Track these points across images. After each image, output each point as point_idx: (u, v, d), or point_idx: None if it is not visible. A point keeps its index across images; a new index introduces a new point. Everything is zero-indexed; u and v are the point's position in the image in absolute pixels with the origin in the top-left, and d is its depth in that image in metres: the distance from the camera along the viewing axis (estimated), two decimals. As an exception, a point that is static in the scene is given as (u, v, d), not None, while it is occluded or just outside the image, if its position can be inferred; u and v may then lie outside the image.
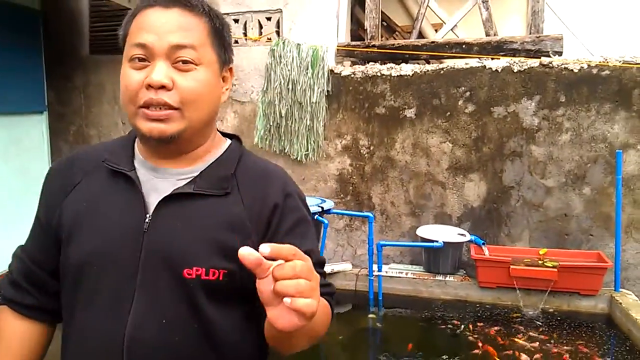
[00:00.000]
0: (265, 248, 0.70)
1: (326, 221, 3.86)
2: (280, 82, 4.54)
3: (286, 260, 0.71)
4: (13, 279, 1.06)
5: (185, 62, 0.91)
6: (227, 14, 4.82)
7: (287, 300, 0.70)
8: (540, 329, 3.49)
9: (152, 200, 0.95)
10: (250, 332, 0.98)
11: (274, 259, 0.72)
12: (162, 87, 0.90)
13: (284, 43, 4.57)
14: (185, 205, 0.94)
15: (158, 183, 0.97)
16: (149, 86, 0.90)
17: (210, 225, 0.93)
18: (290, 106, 4.54)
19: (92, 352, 0.92)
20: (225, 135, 1.09)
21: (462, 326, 3.56)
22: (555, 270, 3.61)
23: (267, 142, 4.64)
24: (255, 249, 0.89)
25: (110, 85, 5.07)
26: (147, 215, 0.94)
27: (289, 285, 0.70)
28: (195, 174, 0.98)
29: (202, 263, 0.91)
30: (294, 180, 1.07)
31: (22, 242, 1.10)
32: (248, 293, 0.91)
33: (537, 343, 3.29)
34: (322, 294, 0.95)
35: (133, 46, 0.92)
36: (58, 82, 5.07)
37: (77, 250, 0.96)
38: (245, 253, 0.71)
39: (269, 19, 4.81)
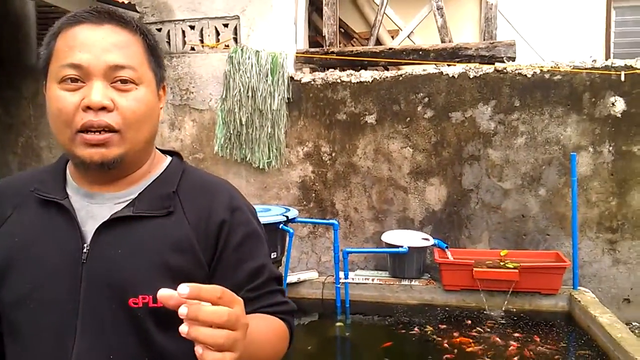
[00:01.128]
0: (184, 289, 0.62)
1: (292, 230, 3.82)
2: (240, 89, 4.48)
3: (213, 303, 0.64)
4: None
5: (124, 81, 0.86)
6: (183, 20, 4.73)
7: (198, 349, 0.63)
8: (504, 329, 3.57)
9: (89, 229, 0.89)
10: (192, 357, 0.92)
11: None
12: (103, 108, 0.84)
13: (242, 50, 4.51)
14: (125, 231, 0.88)
15: (94, 209, 0.90)
16: (87, 108, 0.83)
17: (154, 248, 0.87)
18: (251, 114, 4.48)
19: None
20: (165, 152, 1.04)
21: (429, 330, 3.60)
22: (517, 271, 3.70)
23: (228, 151, 4.57)
24: (204, 272, 0.89)
25: (61, 95, 4.87)
26: (85, 245, 0.87)
27: (205, 334, 0.63)
28: (134, 195, 0.92)
29: (148, 290, 0.84)
30: (241, 194, 1.02)
31: None
32: None
33: (501, 342, 3.36)
34: (277, 313, 0.95)
35: (64, 67, 0.85)
36: (4, 91, 4.84)
37: (11, 290, 0.88)
38: (164, 295, 0.64)
39: (226, 25, 4.74)
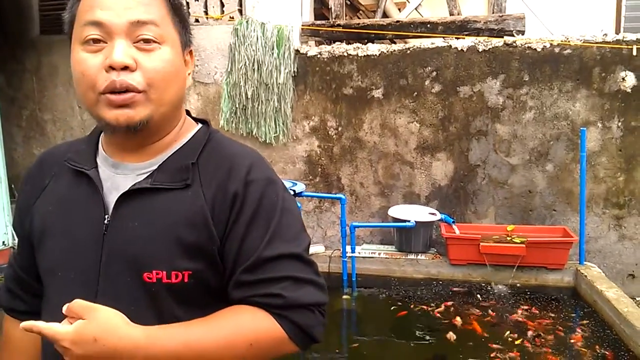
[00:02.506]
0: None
1: (300, 204, 3.83)
2: (245, 62, 4.43)
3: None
4: (7, 286, 1.05)
5: (147, 40, 0.83)
6: (187, -9, 4.65)
7: None
8: (510, 303, 3.60)
9: (112, 199, 0.88)
10: None
11: None
12: (125, 68, 0.81)
13: (247, 22, 4.44)
14: (144, 202, 0.87)
15: (118, 180, 0.90)
16: (110, 68, 0.81)
17: (170, 222, 0.85)
18: (256, 88, 4.44)
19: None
20: (196, 120, 1.01)
21: (434, 303, 3.63)
22: (524, 245, 3.71)
23: (234, 125, 4.54)
24: (218, 248, 0.86)
25: (64, 67, 4.81)
26: (106, 216, 0.87)
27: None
28: (156, 166, 0.90)
29: (162, 266, 0.84)
30: (267, 165, 0.95)
31: None
32: (220, 292, 0.88)
33: (506, 316, 3.40)
34: (269, 307, 0.84)
35: (86, 25, 0.83)
36: (8, 65, 4.80)
37: (45, 257, 0.92)
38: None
39: (231, -3, 4.66)
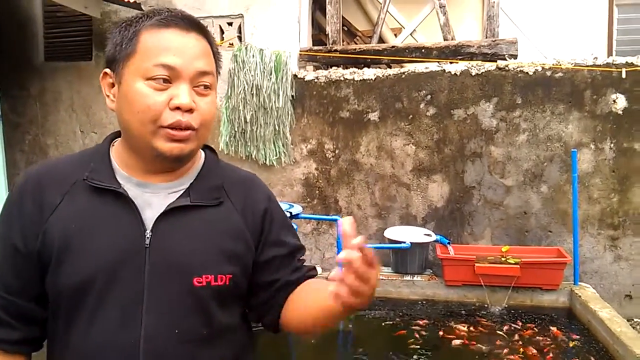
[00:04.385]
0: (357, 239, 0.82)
1: (296, 226, 3.87)
2: (244, 87, 4.53)
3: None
4: None
5: (207, 87, 0.97)
6: (188, 19, 4.77)
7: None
8: (505, 324, 3.61)
9: (148, 216, 0.97)
10: (246, 328, 1.11)
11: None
12: (189, 110, 0.93)
13: (246, 48, 4.56)
14: (184, 218, 0.98)
15: (150, 198, 0.99)
16: (177, 108, 0.92)
17: (212, 234, 0.99)
18: (255, 111, 4.53)
19: None
20: None
21: (430, 324, 3.64)
22: (518, 266, 3.73)
23: (233, 148, 4.62)
24: (252, 255, 1.05)
25: (67, 93, 4.93)
26: (147, 231, 0.96)
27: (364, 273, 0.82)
28: (184, 186, 1.02)
29: (210, 270, 0.97)
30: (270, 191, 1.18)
31: None
32: (241, 295, 1.06)
33: (501, 336, 3.41)
34: (314, 277, 1.13)
35: (156, 66, 0.92)
36: (12, 90, 4.90)
37: (73, 272, 0.94)
38: (345, 257, 0.82)
39: (230, 24, 4.79)
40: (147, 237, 0.95)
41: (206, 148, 1.12)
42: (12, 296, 0.99)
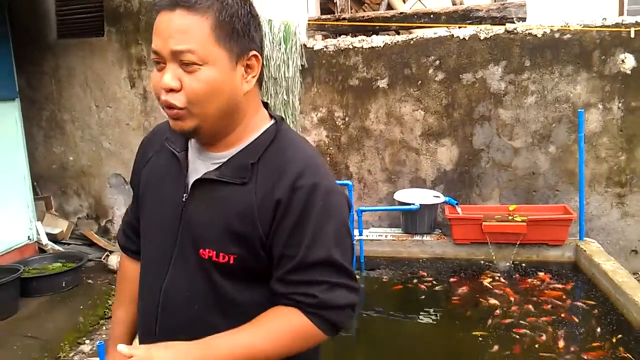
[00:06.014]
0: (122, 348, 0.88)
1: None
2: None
3: None
4: (122, 229, 1.31)
5: (187, 64, 0.94)
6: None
7: None
8: (511, 278, 3.73)
9: (191, 181, 1.06)
10: (265, 308, 1.03)
11: None
12: (171, 90, 0.95)
13: (255, 19, 4.61)
14: (210, 190, 1.02)
15: (198, 165, 1.06)
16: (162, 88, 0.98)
17: (225, 211, 1.00)
18: (265, 82, 4.61)
19: (144, 298, 1.14)
20: (271, 114, 1.11)
21: (440, 280, 3.80)
22: (524, 224, 3.83)
23: (244, 118, 4.72)
24: (260, 243, 1.00)
25: (81, 69, 5.03)
26: (184, 195, 1.05)
27: None
28: (224, 159, 1.04)
29: (213, 246, 1.00)
30: (318, 170, 1.02)
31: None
32: (262, 274, 1.03)
33: (507, 290, 3.54)
34: (303, 305, 0.99)
35: (152, 51, 0.99)
36: (27, 68, 5.02)
37: (143, 215, 1.16)
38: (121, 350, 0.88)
39: (238, -5, 4.83)
40: (184, 200, 1.05)
41: (277, 119, 1.09)
42: (133, 218, 1.24)
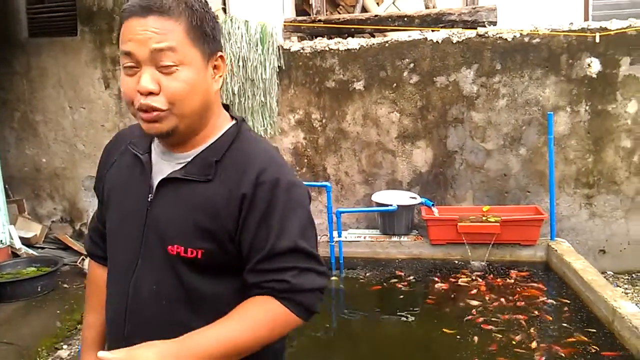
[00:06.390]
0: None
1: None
2: (231, 59, 4.60)
3: None
4: (89, 235, 1.34)
5: (167, 66, 0.98)
6: (172, -8, 4.79)
7: None
8: (485, 277, 3.85)
9: (156, 181, 1.09)
10: (233, 302, 1.06)
11: None
12: (151, 93, 0.98)
13: (231, 20, 4.61)
14: (176, 188, 1.06)
15: (163, 166, 1.10)
16: (140, 92, 1.00)
17: (192, 209, 1.03)
18: (243, 83, 4.62)
19: (112, 302, 1.16)
20: (232, 115, 1.16)
21: (416, 280, 3.90)
22: (498, 224, 3.95)
23: (222, 120, 4.71)
24: (228, 237, 1.04)
25: (54, 69, 4.94)
26: (150, 195, 1.08)
27: None
28: (189, 159, 1.08)
29: (181, 242, 1.03)
30: (279, 165, 1.07)
31: None
32: (230, 269, 1.07)
33: (481, 288, 3.66)
34: (276, 292, 1.02)
35: (123, 55, 1.01)
36: (-2, 67, 4.91)
37: (109, 217, 1.18)
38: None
39: (215, -4, 4.83)
40: (149, 200, 1.08)
41: (238, 120, 1.14)
42: (99, 223, 1.28)
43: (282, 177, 1.05)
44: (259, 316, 1.01)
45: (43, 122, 5.06)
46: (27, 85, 5.04)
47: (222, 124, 1.12)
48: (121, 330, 1.10)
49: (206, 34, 1.03)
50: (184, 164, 1.07)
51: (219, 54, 1.08)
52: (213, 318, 1.02)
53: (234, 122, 1.14)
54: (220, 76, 1.09)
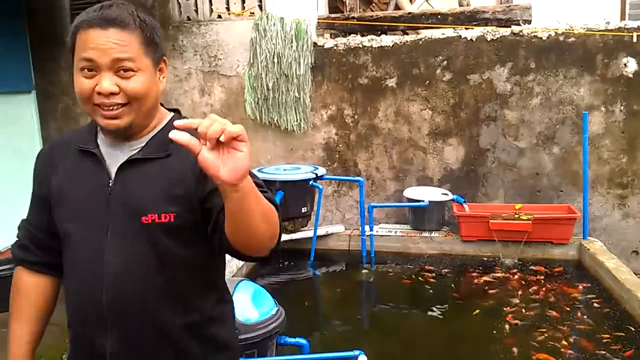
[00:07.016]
0: (179, 122, 0.91)
1: (321, 186, 4.12)
2: (266, 55, 4.70)
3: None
4: (21, 244, 1.36)
5: (126, 70, 1.13)
6: (210, -11, 4.92)
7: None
8: (516, 274, 3.87)
9: (113, 169, 1.21)
10: (205, 264, 1.23)
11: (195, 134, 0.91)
12: (112, 93, 1.12)
13: (267, 17, 4.71)
14: (137, 169, 1.19)
15: (116, 155, 1.22)
16: (99, 93, 1.12)
17: (158, 180, 1.17)
18: (277, 79, 4.71)
19: (83, 282, 1.22)
20: (170, 109, 1.32)
21: (447, 275, 3.94)
22: (530, 222, 3.97)
23: (257, 114, 4.82)
24: (196, 198, 1.15)
25: (95, 63, 5.11)
26: (110, 180, 1.20)
27: (214, 126, 0.88)
28: (143, 144, 1.22)
29: (154, 210, 1.15)
30: None
31: (18, 218, 1.40)
32: (200, 233, 1.18)
33: (516, 286, 3.67)
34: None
35: (82, 60, 1.13)
36: (44, 62, 5.10)
37: (65, 212, 1.24)
38: (175, 136, 0.90)
39: (251, -7, 4.92)
40: (109, 185, 1.19)
41: (174, 111, 1.31)
42: (36, 230, 1.33)
43: None
44: (268, 203, 1.10)
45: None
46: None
47: (163, 115, 1.28)
48: (98, 307, 1.18)
49: (156, 44, 1.19)
50: (138, 149, 1.21)
51: (164, 57, 1.24)
52: (184, 281, 1.19)
53: (172, 114, 1.30)
54: (164, 77, 1.25)
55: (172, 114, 1.30)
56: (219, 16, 4.96)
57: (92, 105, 1.14)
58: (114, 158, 1.21)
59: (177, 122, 0.92)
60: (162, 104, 1.31)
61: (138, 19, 1.16)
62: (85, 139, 1.26)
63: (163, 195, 1.16)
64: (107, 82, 1.12)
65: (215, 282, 1.31)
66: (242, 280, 2.41)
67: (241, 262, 3.86)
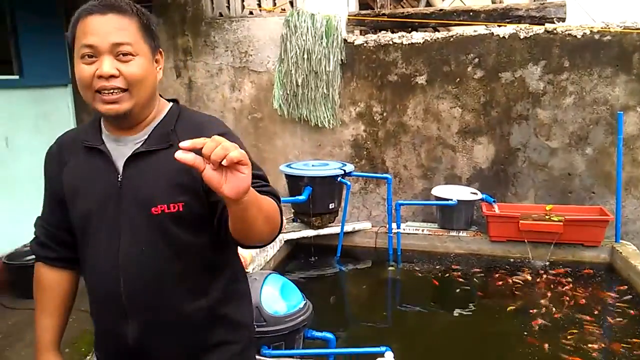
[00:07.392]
0: (185, 144, 0.94)
1: (349, 183, 4.13)
2: (296, 52, 4.72)
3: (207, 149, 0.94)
4: (39, 241, 1.41)
5: (125, 54, 1.17)
6: (241, -15, 4.96)
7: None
8: (546, 276, 3.82)
9: (120, 164, 1.25)
10: (215, 247, 1.26)
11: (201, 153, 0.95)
12: (112, 76, 1.15)
13: (298, 13, 4.72)
14: (143, 161, 1.23)
15: (121, 149, 1.26)
16: (100, 76, 1.15)
17: (164, 171, 1.20)
18: (307, 75, 4.73)
19: (101, 275, 1.27)
20: (169, 100, 1.36)
21: (474, 275, 3.91)
22: (561, 223, 3.91)
23: (286, 110, 4.85)
24: (201, 187, 1.18)
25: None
26: (119, 175, 1.24)
27: (217, 150, 0.92)
28: (145, 137, 1.26)
29: (163, 201, 1.20)
30: (223, 126, 1.31)
31: None
32: (204, 219, 1.23)
33: (542, 287, 3.63)
34: (265, 192, 1.20)
35: (82, 47, 1.16)
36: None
37: (79, 209, 1.29)
38: (180, 157, 0.94)
39: (282, -11, 4.95)
40: (119, 180, 1.23)
41: (173, 101, 1.35)
42: (51, 227, 1.38)
43: (228, 130, 1.29)
44: (270, 202, 1.17)
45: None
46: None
47: (163, 106, 1.32)
48: (117, 298, 1.23)
49: (152, 32, 1.24)
50: (142, 142, 1.25)
51: (160, 49, 1.29)
52: (196, 266, 1.25)
53: (171, 104, 1.34)
54: (160, 68, 1.29)
55: (171, 104, 1.34)
56: (251, 12, 5.01)
57: (92, 92, 1.17)
58: (120, 153, 1.25)
59: (182, 144, 0.94)
60: (161, 95, 1.35)
61: (134, 7, 1.21)
62: (90, 135, 1.29)
63: (170, 186, 1.20)
64: (108, 64, 1.15)
65: (228, 262, 1.35)
66: (271, 274, 2.45)
67: (269, 256, 3.95)
